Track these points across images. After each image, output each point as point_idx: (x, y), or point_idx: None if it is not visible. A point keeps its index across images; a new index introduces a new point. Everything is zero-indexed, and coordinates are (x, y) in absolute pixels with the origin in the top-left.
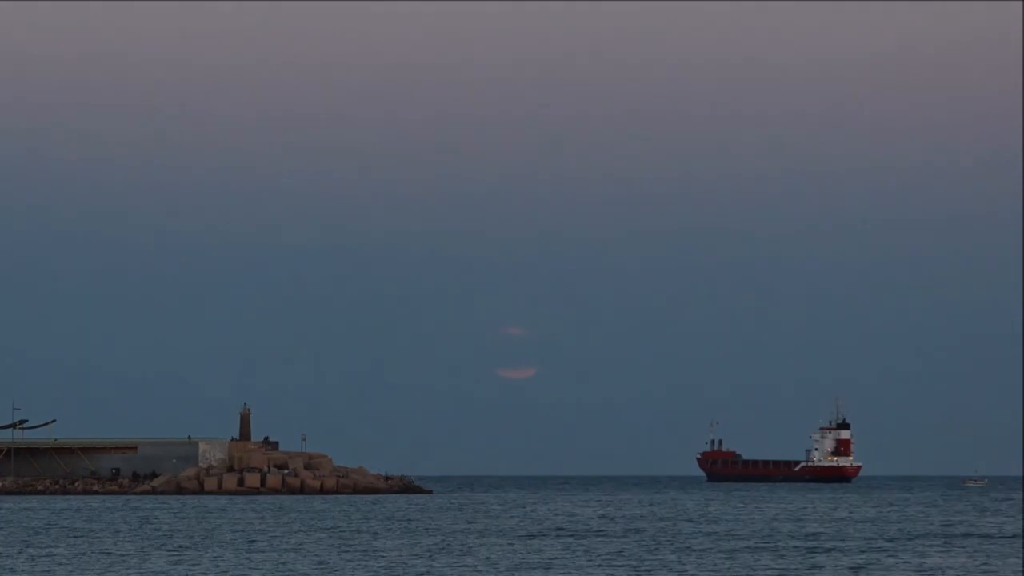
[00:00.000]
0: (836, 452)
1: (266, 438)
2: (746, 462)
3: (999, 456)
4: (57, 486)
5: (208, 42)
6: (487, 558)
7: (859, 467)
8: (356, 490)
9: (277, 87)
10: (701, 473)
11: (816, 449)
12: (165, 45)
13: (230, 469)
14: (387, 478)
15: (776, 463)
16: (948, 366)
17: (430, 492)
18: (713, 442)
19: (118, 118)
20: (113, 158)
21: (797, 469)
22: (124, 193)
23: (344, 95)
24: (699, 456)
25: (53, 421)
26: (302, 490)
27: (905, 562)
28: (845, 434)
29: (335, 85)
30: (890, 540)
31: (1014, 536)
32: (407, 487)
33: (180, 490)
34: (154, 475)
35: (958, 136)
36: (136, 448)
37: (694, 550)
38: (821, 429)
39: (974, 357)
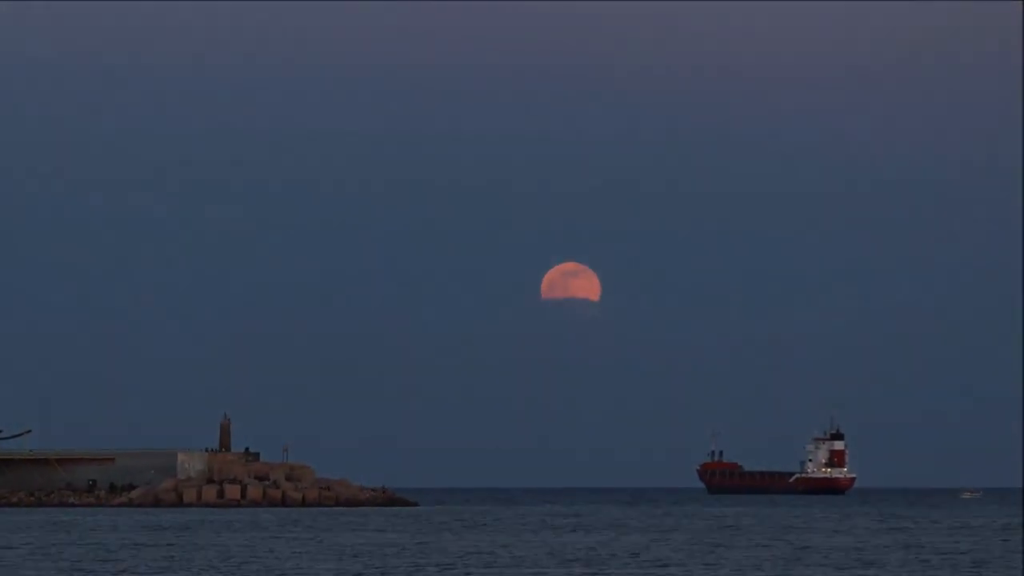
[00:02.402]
0: (830, 463)
1: (247, 449)
2: (743, 474)
3: (994, 467)
4: (32, 498)
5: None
6: None
7: (853, 478)
8: (339, 502)
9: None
10: (700, 485)
11: (810, 460)
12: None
13: (209, 480)
14: (371, 490)
15: (772, 474)
16: (945, 373)
17: (415, 504)
18: (713, 453)
19: (110, 116)
20: (77, 159)
21: (792, 480)
22: (100, 201)
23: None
24: (699, 467)
25: (28, 431)
26: (283, 502)
27: None
28: (839, 444)
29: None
30: None
31: None
32: (391, 499)
33: (158, 502)
34: (131, 487)
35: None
36: (113, 459)
37: None
38: (815, 439)
39: (971, 363)
